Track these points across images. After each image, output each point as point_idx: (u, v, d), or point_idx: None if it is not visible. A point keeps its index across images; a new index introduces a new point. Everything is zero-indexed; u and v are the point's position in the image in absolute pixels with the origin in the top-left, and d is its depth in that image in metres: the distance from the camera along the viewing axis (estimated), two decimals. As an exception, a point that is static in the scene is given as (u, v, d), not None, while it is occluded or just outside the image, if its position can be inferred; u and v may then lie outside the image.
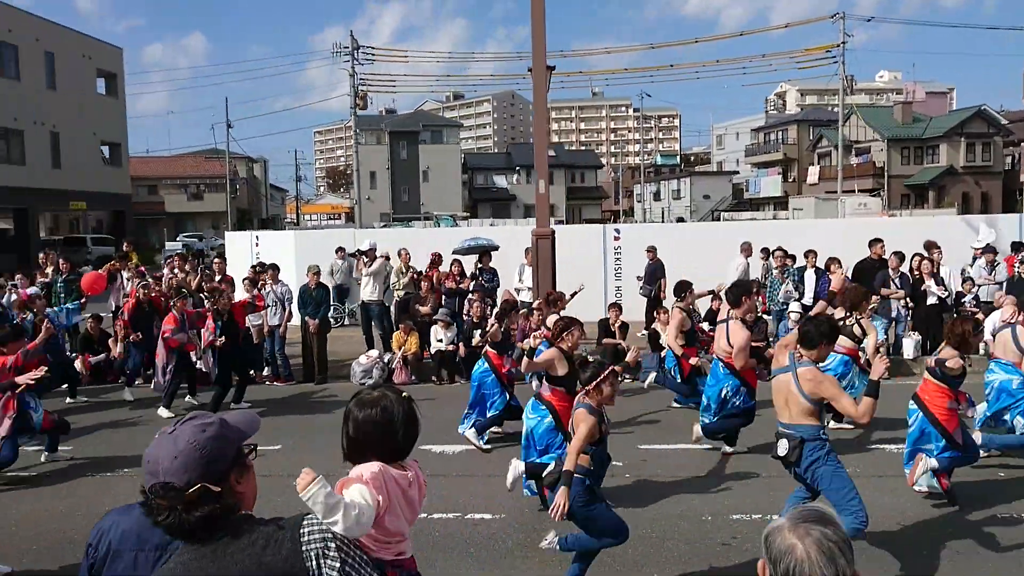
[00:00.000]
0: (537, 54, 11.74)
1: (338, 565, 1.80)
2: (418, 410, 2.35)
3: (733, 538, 5.71)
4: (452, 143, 66.36)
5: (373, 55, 42.93)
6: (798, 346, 5.06)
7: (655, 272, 13.96)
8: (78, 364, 11.68)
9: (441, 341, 11.70)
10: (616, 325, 11.66)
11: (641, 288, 14.05)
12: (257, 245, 17.62)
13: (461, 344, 11.55)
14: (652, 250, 14.14)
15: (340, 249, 15.40)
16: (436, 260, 13.07)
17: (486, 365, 8.35)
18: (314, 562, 1.78)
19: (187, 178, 65.70)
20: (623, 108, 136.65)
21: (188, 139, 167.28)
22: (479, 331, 11.68)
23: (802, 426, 4.93)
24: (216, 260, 13.76)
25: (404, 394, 2.24)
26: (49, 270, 13.22)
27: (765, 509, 6.07)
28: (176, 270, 13.74)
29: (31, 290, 12.12)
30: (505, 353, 8.59)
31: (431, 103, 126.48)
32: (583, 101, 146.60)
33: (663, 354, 10.11)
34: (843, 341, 7.59)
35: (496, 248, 13.89)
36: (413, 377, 11.68)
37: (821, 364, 5.19)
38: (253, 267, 13.01)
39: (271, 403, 10.54)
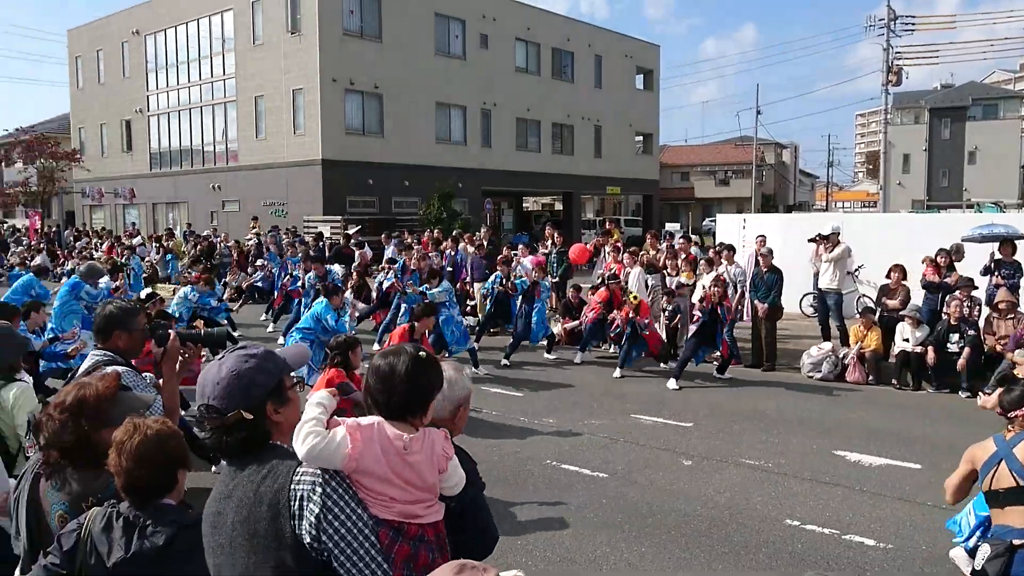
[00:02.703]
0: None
1: (317, 510, 1.78)
2: (431, 371, 2.03)
3: None
4: (1010, 118, 55.92)
5: (913, 25, 38.71)
6: None
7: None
8: (557, 328, 13.31)
9: (907, 341, 10.22)
10: None
11: None
12: (744, 228, 17.58)
13: (931, 347, 9.91)
14: None
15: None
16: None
17: None
18: (296, 502, 1.80)
19: (715, 165, 68.36)
20: None
21: (726, 125, 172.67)
22: (956, 335, 9.94)
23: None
24: (681, 241, 14.17)
25: (421, 353, 2.01)
26: (548, 243, 15.21)
27: None
28: (650, 249, 14.52)
29: (528, 260, 14.13)
30: None
31: (999, 73, 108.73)
32: None
33: None
34: None
35: (1020, 237, 11.43)
36: (870, 377, 10.44)
37: None
38: (715, 248, 13.05)
39: (706, 378, 10.49)
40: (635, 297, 11.05)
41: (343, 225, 24.97)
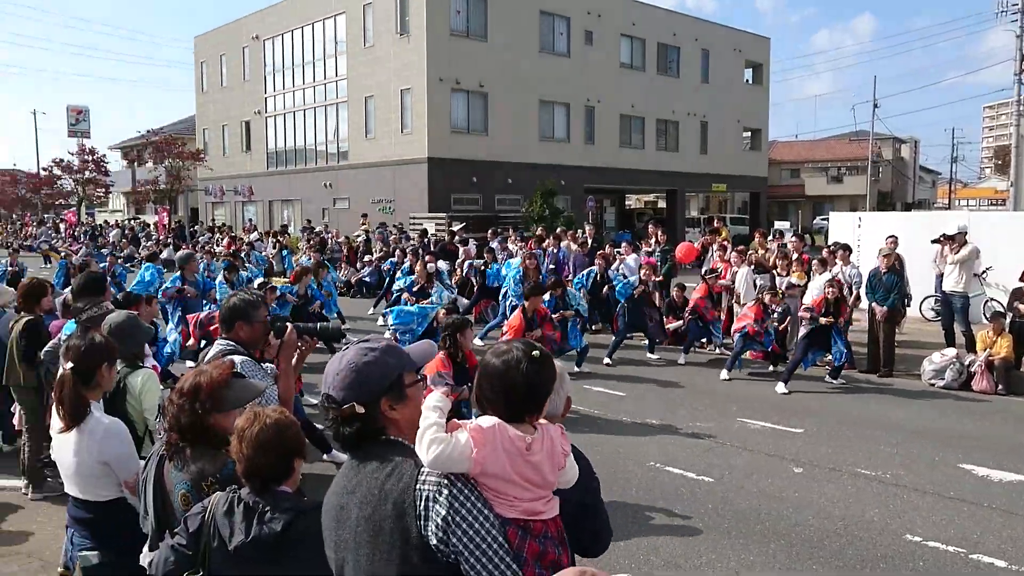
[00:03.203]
0: None
1: (444, 512, 1.76)
2: (545, 370, 1.96)
3: None
4: None
5: (1052, 8, 35.92)
6: None
7: None
8: (659, 326, 13.09)
9: (1043, 349, 9.51)
10: None
11: None
12: (859, 226, 16.82)
13: (1071, 356, 9.19)
14: None
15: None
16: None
17: None
18: (422, 503, 1.79)
19: (828, 161, 65.64)
20: None
21: (839, 120, 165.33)
22: (1101, 343, 9.16)
23: None
24: (793, 240, 13.63)
25: (535, 352, 1.93)
26: (652, 241, 14.97)
27: None
28: (759, 248, 14.08)
29: (631, 259, 13.95)
30: None
31: None
32: None
33: None
34: None
35: None
36: (999, 387, 9.75)
37: None
38: (829, 247, 12.51)
39: (817, 383, 10.06)
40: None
41: (448, 222, 25.38)
